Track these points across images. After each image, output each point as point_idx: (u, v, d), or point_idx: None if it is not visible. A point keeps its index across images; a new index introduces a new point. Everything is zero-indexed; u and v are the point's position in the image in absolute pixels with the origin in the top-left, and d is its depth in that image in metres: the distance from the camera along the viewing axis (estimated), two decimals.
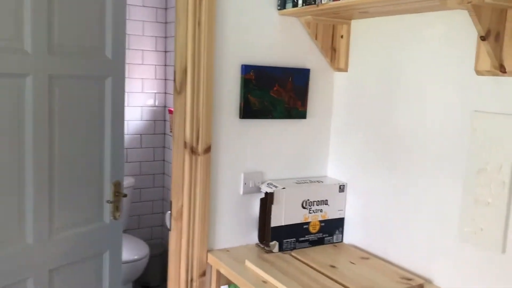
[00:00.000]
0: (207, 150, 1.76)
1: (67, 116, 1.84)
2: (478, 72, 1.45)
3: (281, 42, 1.88)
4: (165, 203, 3.87)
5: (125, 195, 2.09)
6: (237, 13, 1.77)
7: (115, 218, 2.07)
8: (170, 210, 1.85)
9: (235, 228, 1.89)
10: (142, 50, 3.61)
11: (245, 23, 1.79)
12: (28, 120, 1.71)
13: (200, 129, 1.73)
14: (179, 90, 1.73)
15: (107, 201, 2.03)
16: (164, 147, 3.82)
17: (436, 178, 1.61)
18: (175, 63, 1.73)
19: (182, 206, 1.77)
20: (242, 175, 1.86)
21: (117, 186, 2.07)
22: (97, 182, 2.00)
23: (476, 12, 1.29)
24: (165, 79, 3.73)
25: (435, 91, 1.60)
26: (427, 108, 1.63)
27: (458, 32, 1.52)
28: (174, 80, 1.74)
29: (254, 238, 1.93)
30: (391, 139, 1.77)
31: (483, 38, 1.34)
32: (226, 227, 1.87)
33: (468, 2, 1.25)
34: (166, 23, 3.68)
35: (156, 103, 3.75)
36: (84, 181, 1.94)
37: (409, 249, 1.71)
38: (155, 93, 3.73)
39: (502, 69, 1.38)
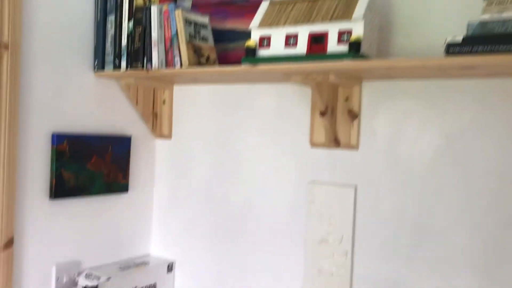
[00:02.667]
0: (9, 244, 1.36)
1: None
2: (313, 145, 1.49)
3: (98, 107, 1.63)
4: None
5: None
6: (46, 74, 1.47)
7: None
8: None
9: None
10: None
11: (55, 86, 1.50)
12: None
13: (0, 219, 1.34)
14: None
15: None
16: None
17: (276, 251, 1.57)
18: None
19: None
20: (54, 269, 1.50)
21: None
22: None
23: (319, 89, 1.32)
24: None
25: (269, 161, 1.59)
26: (262, 178, 1.60)
27: (291, 105, 1.55)
28: None
29: None
30: (223, 211, 1.68)
31: (322, 113, 1.38)
32: None
33: (313, 79, 1.28)
34: None
35: None
36: None
37: None
38: None
39: (336, 143, 1.44)
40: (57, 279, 1.50)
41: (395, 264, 1.36)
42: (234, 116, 1.66)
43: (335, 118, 1.44)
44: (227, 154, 1.68)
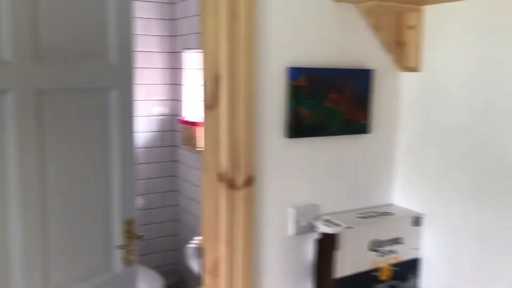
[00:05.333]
0: (249, 182, 1.33)
1: (64, 141, 1.42)
2: None
3: (337, 37, 1.45)
4: (177, 224, 3.44)
5: (139, 237, 1.66)
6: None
7: (128, 263, 1.64)
8: (202, 260, 1.42)
9: (284, 281, 1.46)
10: (147, 51, 3.18)
11: (292, 12, 1.36)
12: (10, 149, 1.28)
13: (240, 155, 1.30)
14: (211, 105, 1.30)
15: (117, 247, 1.60)
16: (174, 161, 3.40)
17: None
18: (203, 69, 1.30)
19: (218, 258, 1.34)
20: (292, 211, 1.43)
21: (129, 225, 1.64)
22: (103, 221, 1.58)
23: None
24: (174, 84, 3.30)
25: None
26: None
27: None
28: (204, 92, 1.31)
29: None
30: (485, 159, 1.34)
31: None
32: (273, 281, 1.44)
33: None
34: (173, 19, 3.24)
35: (164, 112, 3.32)
36: (86, 222, 1.52)
37: None
38: (163, 100, 3.30)
39: None
40: (296, 222, 1.43)
41: None
42: (505, 37, 1.28)
43: None
44: (496, 90, 1.31)
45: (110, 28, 1.49)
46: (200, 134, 2.90)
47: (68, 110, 1.41)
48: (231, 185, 1.31)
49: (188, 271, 3.22)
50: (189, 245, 2.43)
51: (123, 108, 1.56)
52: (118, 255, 1.62)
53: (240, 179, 1.31)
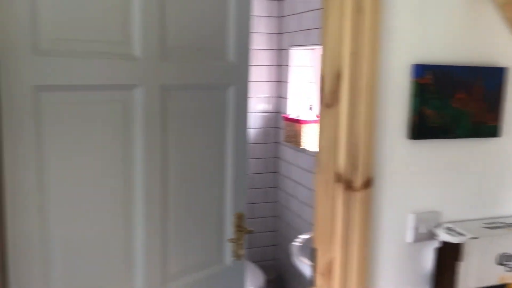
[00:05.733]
0: (367, 184, 1.28)
1: (184, 135, 1.47)
2: None
3: (466, 31, 1.35)
4: (277, 220, 3.46)
5: (249, 231, 1.69)
6: None
7: (238, 257, 1.67)
8: (313, 261, 1.40)
9: None
10: (254, 49, 3.23)
11: (418, 6, 1.29)
12: (137, 142, 1.36)
13: (359, 156, 1.26)
14: (330, 103, 1.27)
15: (229, 240, 1.64)
16: (276, 157, 3.42)
17: None
18: (323, 65, 1.27)
19: (332, 259, 1.32)
20: (412, 217, 1.36)
21: (240, 219, 1.67)
22: (217, 214, 1.62)
23: None
24: (279, 81, 3.31)
25: None
26: None
27: None
28: (322, 89, 1.29)
29: None
30: None
31: None
32: (388, 287, 1.38)
33: None
34: (280, 17, 3.25)
35: (268, 109, 3.35)
36: (202, 214, 1.57)
37: None
38: (267, 97, 3.33)
39: None
40: (416, 228, 1.36)
41: None
42: None
43: None
44: None
45: (230, 27, 1.52)
46: (304, 132, 2.88)
47: (189, 105, 1.46)
48: (348, 186, 1.27)
49: (287, 267, 3.23)
50: (294, 243, 2.42)
51: (239, 105, 1.59)
52: (229, 248, 1.65)
53: (358, 181, 1.27)
